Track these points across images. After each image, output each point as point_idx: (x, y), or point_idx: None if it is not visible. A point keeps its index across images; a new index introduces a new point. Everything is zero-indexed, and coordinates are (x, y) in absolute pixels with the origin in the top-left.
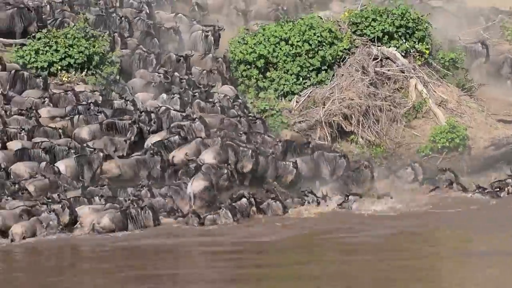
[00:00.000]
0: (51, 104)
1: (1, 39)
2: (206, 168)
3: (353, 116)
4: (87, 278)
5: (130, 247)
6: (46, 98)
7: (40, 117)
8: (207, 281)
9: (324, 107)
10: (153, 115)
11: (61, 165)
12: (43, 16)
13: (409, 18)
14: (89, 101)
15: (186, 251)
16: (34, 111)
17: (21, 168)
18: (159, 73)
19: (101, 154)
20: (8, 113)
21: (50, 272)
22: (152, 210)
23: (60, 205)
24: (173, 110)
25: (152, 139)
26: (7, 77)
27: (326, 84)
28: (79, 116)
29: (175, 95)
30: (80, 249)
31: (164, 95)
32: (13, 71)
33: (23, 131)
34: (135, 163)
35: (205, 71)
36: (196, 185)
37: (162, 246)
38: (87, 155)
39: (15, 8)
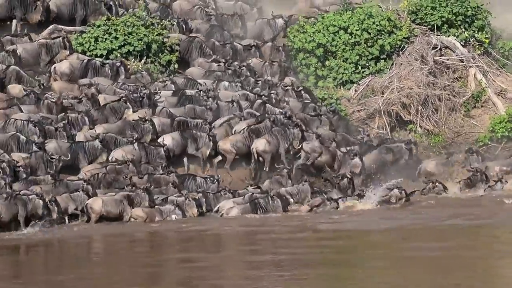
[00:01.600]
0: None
1: (62, 26)
2: None
3: (412, 105)
4: None
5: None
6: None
7: None
8: None
9: (382, 96)
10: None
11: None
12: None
13: (468, 6)
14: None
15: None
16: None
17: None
18: (219, 62)
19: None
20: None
21: None
22: (281, 199)
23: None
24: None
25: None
26: (78, 66)
27: (385, 73)
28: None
29: (237, 83)
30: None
31: (225, 83)
32: (85, 60)
33: None
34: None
35: (267, 62)
36: None
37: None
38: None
39: None
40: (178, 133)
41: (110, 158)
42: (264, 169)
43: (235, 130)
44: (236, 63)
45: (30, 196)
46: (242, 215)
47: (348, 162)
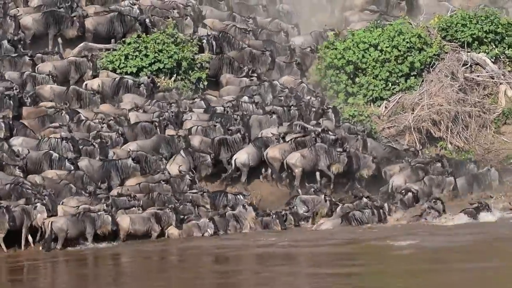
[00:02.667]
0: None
1: (92, 44)
2: None
3: (442, 122)
4: None
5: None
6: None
7: None
8: None
9: (413, 113)
10: None
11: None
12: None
13: (498, 23)
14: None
15: None
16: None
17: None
18: (251, 77)
19: None
20: None
21: None
22: (378, 210)
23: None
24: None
25: None
26: (110, 84)
27: (415, 90)
28: None
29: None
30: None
31: (246, 97)
32: (117, 78)
33: None
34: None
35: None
36: None
37: None
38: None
39: (116, 13)
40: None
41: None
42: (295, 183)
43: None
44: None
45: (99, 213)
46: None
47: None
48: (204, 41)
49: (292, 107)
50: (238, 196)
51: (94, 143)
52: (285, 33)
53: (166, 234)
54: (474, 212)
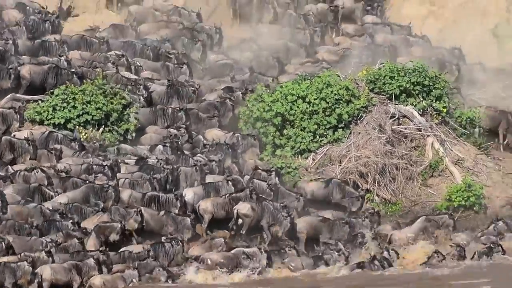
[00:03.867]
0: None
1: (20, 95)
2: None
3: (370, 174)
4: None
5: None
6: None
7: None
8: None
9: (340, 165)
10: None
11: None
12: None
13: (426, 76)
14: None
15: None
16: None
17: None
18: (179, 129)
19: None
20: None
21: None
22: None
23: None
24: None
25: None
26: (39, 137)
27: (343, 142)
28: None
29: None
30: None
31: (160, 147)
32: (46, 132)
33: None
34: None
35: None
36: None
37: None
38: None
39: (52, 65)
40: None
41: None
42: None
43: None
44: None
45: (19, 263)
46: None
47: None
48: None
49: (219, 162)
50: (173, 241)
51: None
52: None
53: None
54: None
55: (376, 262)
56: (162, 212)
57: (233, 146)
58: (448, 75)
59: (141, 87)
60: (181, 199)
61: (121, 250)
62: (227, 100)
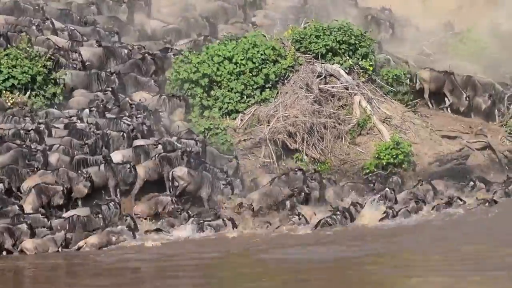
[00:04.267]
0: None
1: None
2: None
3: (298, 134)
4: None
5: None
6: None
7: None
8: None
9: (268, 125)
10: None
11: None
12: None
13: (351, 34)
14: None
15: None
16: None
17: None
18: (105, 92)
19: None
20: None
21: None
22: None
23: None
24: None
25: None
26: None
27: (270, 102)
28: None
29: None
30: None
31: (87, 110)
32: None
33: None
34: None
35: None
36: None
37: None
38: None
39: None
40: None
41: None
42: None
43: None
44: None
45: None
46: None
47: None
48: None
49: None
50: (110, 204)
51: None
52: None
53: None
54: None
55: (338, 215)
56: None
57: (155, 109)
58: (383, 34)
59: (74, 53)
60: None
61: (68, 215)
62: (147, 55)
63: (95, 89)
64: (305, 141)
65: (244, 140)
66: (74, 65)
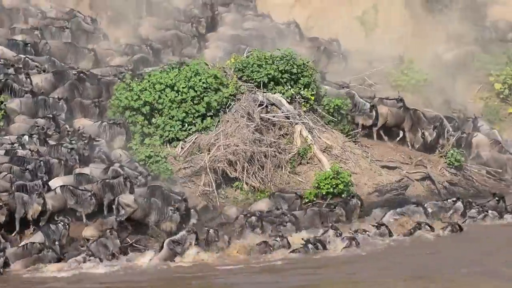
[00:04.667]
0: None
1: None
2: None
3: (238, 162)
4: None
5: None
6: None
7: None
8: None
9: (209, 153)
10: None
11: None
12: None
13: (294, 64)
14: None
15: None
16: None
17: None
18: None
19: None
20: None
21: None
22: None
23: None
24: None
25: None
26: None
27: (212, 130)
28: None
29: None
30: None
31: (26, 137)
32: None
33: None
34: None
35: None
36: None
37: None
38: None
39: None
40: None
41: None
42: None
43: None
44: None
45: None
46: None
47: None
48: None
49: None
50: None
51: None
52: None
53: None
54: None
55: (309, 245)
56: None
57: (90, 136)
58: (335, 64)
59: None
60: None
61: (23, 243)
62: (82, 74)
63: (41, 115)
64: (245, 170)
65: (184, 168)
66: (25, 90)
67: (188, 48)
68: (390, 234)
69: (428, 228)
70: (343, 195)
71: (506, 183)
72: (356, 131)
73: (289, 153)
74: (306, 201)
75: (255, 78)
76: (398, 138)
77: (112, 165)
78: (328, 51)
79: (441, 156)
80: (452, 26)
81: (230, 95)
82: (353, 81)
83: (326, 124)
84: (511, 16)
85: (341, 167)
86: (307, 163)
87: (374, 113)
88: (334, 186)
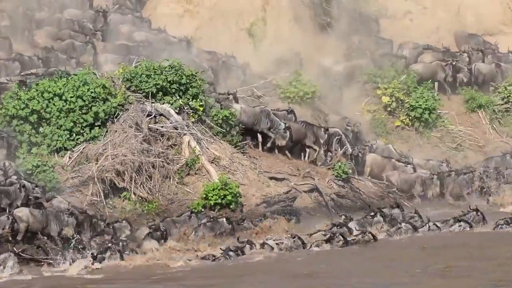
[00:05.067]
0: None
1: None
2: None
3: (126, 173)
4: None
5: None
6: None
7: None
8: None
9: (97, 163)
10: None
11: None
12: None
13: (182, 74)
14: None
15: None
16: None
17: None
18: None
19: None
20: None
21: None
22: None
23: None
24: None
25: None
26: None
27: (100, 140)
28: None
29: None
30: None
31: None
32: None
33: None
34: None
35: None
36: None
37: None
38: None
39: None
40: None
41: None
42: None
43: None
44: None
45: None
46: None
47: None
48: None
49: None
50: None
51: None
52: None
53: None
54: None
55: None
56: None
57: None
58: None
59: None
60: None
61: None
62: None
63: None
64: (133, 180)
65: (72, 178)
66: None
67: (84, 56)
68: (304, 245)
69: (342, 238)
70: (231, 206)
71: (393, 195)
72: (244, 142)
73: (177, 164)
74: (195, 211)
75: (144, 88)
76: (307, 157)
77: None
78: (226, 64)
79: (329, 169)
80: (340, 39)
81: (119, 105)
82: (242, 93)
83: (215, 135)
84: (398, 30)
85: (229, 178)
86: (195, 173)
87: (288, 134)
88: (222, 197)
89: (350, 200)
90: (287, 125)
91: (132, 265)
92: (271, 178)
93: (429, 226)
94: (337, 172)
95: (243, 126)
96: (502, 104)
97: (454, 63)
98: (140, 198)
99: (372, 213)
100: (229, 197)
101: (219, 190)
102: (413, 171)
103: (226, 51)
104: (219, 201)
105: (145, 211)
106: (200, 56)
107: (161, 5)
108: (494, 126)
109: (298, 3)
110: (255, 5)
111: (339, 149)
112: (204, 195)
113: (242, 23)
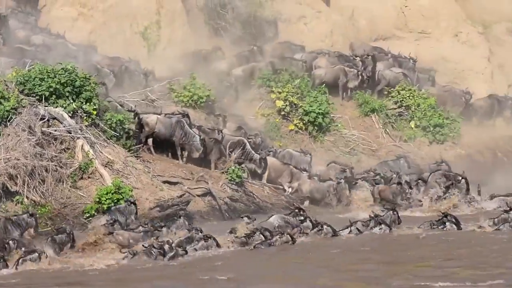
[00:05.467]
0: None
1: None
2: None
3: (19, 176)
4: None
5: None
6: None
7: None
8: None
9: None
10: None
11: None
12: None
13: (76, 77)
14: None
15: None
16: None
17: None
18: None
19: None
20: None
21: None
22: None
23: None
24: None
25: None
26: None
27: None
28: None
29: None
30: None
31: None
32: None
33: None
34: None
35: None
36: None
37: None
38: None
39: None
40: None
41: None
42: None
43: None
44: None
45: None
46: None
47: None
48: None
49: None
50: None
51: None
52: None
53: None
54: None
55: (154, 250)
56: None
57: None
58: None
59: None
60: None
61: None
62: None
63: None
64: (26, 184)
65: None
66: None
67: None
68: (218, 246)
69: (263, 238)
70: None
71: (287, 199)
72: (137, 146)
73: (71, 168)
74: (87, 215)
75: (37, 92)
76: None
77: None
78: (129, 70)
79: (223, 172)
80: (235, 43)
81: (12, 108)
82: (135, 96)
83: (108, 139)
84: (293, 34)
85: (122, 182)
86: (89, 177)
87: (203, 147)
88: (116, 201)
89: (244, 204)
90: (202, 137)
91: None
92: (164, 182)
93: (350, 229)
94: (231, 176)
95: (158, 138)
96: (395, 109)
97: (359, 70)
98: (33, 202)
99: (302, 218)
100: (122, 201)
101: (112, 194)
102: (308, 178)
103: (120, 54)
104: (112, 205)
105: (38, 215)
106: (102, 62)
107: (55, 9)
108: (387, 130)
109: (193, 7)
110: (150, 8)
111: (245, 157)
112: (98, 199)
113: (137, 27)
